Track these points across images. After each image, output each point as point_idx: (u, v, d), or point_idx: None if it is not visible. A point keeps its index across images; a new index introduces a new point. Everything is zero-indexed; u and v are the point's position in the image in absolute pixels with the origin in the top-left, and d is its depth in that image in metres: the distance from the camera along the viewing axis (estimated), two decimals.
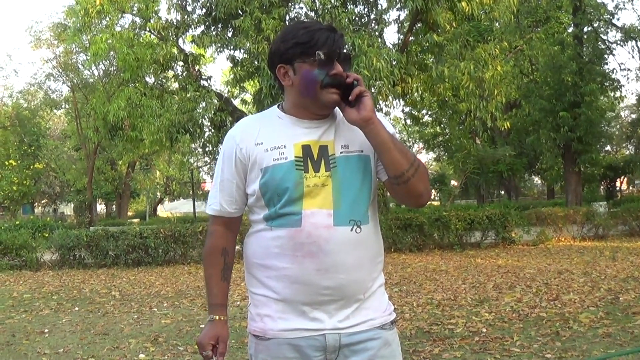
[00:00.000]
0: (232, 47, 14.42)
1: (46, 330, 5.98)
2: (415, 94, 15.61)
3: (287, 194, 1.60)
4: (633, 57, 49.99)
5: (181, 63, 15.48)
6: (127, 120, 15.24)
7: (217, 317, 1.72)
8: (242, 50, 14.20)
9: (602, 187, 31.93)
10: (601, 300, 6.29)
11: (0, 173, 29.76)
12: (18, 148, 31.73)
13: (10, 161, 30.09)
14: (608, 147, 34.59)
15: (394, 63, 12.76)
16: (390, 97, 13.49)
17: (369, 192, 1.67)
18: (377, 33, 13.76)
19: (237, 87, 16.83)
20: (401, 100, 14.99)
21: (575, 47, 20.59)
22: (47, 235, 15.05)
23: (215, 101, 14.74)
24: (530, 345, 4.60)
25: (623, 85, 31.24)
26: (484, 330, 5.18)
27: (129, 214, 38.30)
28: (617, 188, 34.96)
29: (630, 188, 43.32)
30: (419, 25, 14.11)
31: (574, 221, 14.70)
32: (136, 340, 5.41)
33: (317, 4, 13.31)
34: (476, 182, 28.24)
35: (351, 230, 1.61)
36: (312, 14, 13.51)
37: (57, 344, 5.37)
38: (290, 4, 14.09)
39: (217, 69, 61.84)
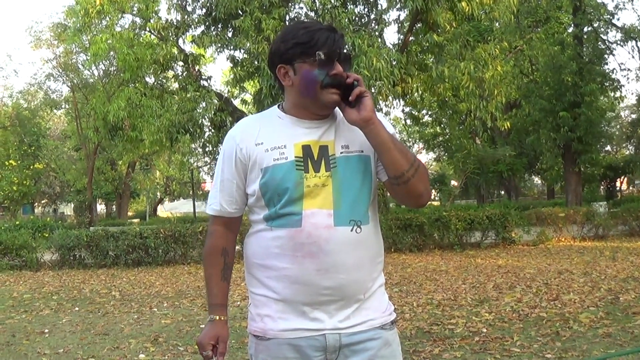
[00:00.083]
0: (232, 47, 14.42)
1: (46, 331, 5.97)
2: (415, 94, 15.62)
3: (287, 194, 1.60)
4: (633, 57, 50.06)
5: (181, 63, 15.49)
6: (127, 120, 15.25)
7: (217, 317, 1.72)
8: (242, 51, 14.20)
9: (602, 187, 31.92)
10: (601, 300, 6.29)
11: (0, 173, 29.75)
12: (18, 148, 31.72)
13: (10, 161, 30.08)
14: (608, 147, 34.60)
15: (394, 63, 12.76)
16: (390, 97, 13.51)
17: (369, 192, 1.67)
18: (377, 33, 13.75)
19: (237, 87, 16.84)
20: (401, 100, 15.00)
21: (575, 47, 20.59)
22: (47, 235, 15.06)
23: (215, 101, 14.74)
24: (531, 345, 4.60)
25: (623, 85, 31.32)
26: (484, 330, 5.18)
27: (129, 214, 38.31)
28: (617, 188, 34.94)
29: (630, 188, 43.32)
30: (419, 25, 14.11)
31: (574, 221, 14.69)
32: (136, 340, 5.41)
33: (317, 4, 13.31)
34: (476, 182, 28.24)
35: (351, 230, 1.61)
36: (312, 14, 13.51)
37: (57, 344, 5.37)
38: (290, 4, 14.09)
39: (217, 69, 61.99)
